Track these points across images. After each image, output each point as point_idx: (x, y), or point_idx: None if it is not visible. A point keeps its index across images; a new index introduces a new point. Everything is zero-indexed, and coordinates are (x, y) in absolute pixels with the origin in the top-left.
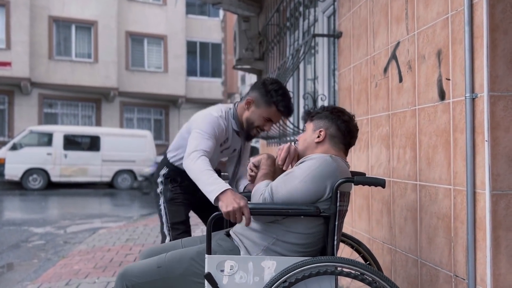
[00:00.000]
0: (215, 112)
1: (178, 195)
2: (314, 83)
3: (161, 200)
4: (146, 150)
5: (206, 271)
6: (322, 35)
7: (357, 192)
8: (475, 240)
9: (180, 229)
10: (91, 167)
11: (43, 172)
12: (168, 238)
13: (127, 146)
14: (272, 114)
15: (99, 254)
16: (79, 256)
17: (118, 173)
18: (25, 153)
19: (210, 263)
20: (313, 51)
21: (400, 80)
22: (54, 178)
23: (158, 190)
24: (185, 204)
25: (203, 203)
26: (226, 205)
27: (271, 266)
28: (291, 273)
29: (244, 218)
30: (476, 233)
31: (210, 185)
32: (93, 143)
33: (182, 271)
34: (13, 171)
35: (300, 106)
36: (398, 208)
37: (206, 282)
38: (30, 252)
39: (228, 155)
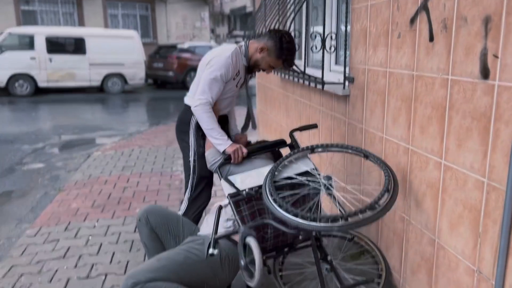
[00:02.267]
0: (228, 52)
1: None
2: (324, 20)
3: (191, 153)
4: (134, 53)
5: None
6: None
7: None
8: (509, 247)
9: (204, 184)
10: (79, 71)
11: (29, 78)
12: (189, 190)
13: (114, 49)
14: (277, 64)
15: (96, 187)
16: (76, 190)
17: (108, 77)
18: (7, 58)
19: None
20: None
21: (431, 39)
22: (41, 84)
23: (190, 142)
24: None
25: None
26: (232, 149)
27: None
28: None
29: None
30: (511, 239)
31: (219, 140)
32: (78, 46)
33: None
34: None
35: (308, 46)
36: (416, 180)
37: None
38: (25, 177)
39: (240, 85)
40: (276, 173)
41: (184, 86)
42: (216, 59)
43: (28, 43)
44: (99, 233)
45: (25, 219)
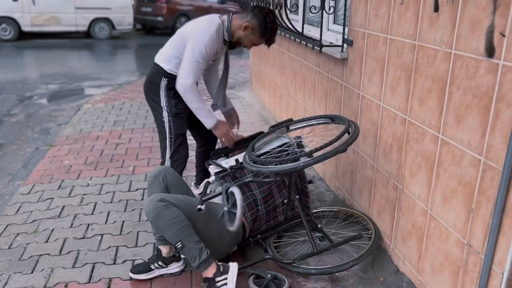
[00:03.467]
0: (212, 29)
1: (182, 110)
2: None
3: (165, 114)
4: None
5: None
6: None
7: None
8: (501, 225)
9: (181, 139)
10: (64, 15)
11: (12, 21)
12: (168, 151)
13: None
14: (260, 42)
15: (88, 143)
16: (67, 145)
17: (94, 21)
18: None
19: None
20: None
21: (436, 9)
22: (25, 28)
23: (162, 103)
24: (187, 119)
25: (198, 121)
26: (219, 132)
27: None
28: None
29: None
30: (504, 219)
31: (206, 117)
32: None
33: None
34: None
35: (307, 5)
36: (412, 151)
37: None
38: (15, 129)
39: (215, 59)
40: (255, 146)
41: (173, 32)
42: (200, 37)
43: None
44: (93, 192)
45: (17, 175)
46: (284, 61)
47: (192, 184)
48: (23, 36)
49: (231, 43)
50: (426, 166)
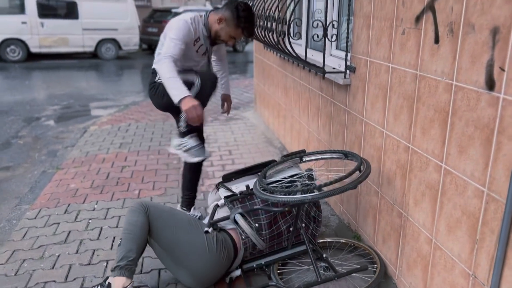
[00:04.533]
0: (186, 16)
1: None
2: (326, 5)
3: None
4: (128, 17)
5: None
6: None
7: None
8: (505, 257)
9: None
10: (72, 36)
11: (21, 43)
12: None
13: (108, 13)
14: (238, 34)
15: (94, 166)
16: (74, 168)
17: (101, 42)
18: None
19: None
20: None
21: (436, 41)
22: (33, 49)
23: (161, 87)
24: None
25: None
26: (187, 106)
27: None
28: None
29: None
30: (508, 251)
31: (175, 89)
32: (70, 10)
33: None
34: None
35: (310, 35)
36: (415, 179)
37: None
38: (22, 151)
39: (202, 52)
40: (267, 174)
41: None
42: (176, 23)
43: (19, 6)
44: (98, 216)
45: (24, 199)
46: (288, 84)
47: (178, 206)
48: (32, 57)
49: (211, 40)
50: (430, 194)
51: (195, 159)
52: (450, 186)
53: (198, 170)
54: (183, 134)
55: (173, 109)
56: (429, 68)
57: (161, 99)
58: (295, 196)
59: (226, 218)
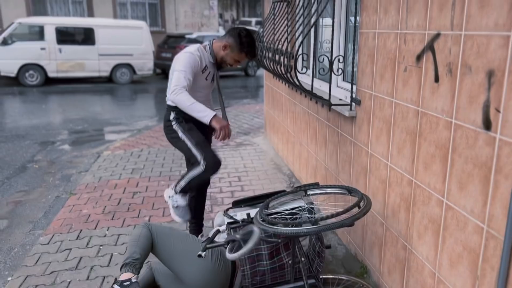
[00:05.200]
0: (192, 49)
1: (192, 124)
2: (332, 39)
3: (180, 133)
4: (143, 43)
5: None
6: None
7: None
8: None
9: (205, 144)
10: (88, 61)
11: (39, 68)
12: (199, 155)
13: (123, 39)
14: (242, 58)
15: (106, 192)
16: (87, 194)
17: (116, 67)
18: (17, 48)
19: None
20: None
21: (436, 79)
22: (51, 74)
23: (175, 127)
24: (199, 129)
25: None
26: (219, 124)
27: None
28: None
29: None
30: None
31: (203, 111)
32: (87, 36)
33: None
34: (8, 67)
35: (317, 68)
36: (418, 212)
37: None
38: (37, 176)
39: (211, 79)
40: (269, 205)
41: None
42: (183, 55)
43: (38, 33)
44: (109, 243)
45: (38, 224)
46: (296, 112)
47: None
48: (49, 82)
49: (217, 64)
50: (433, 228)
51: (177, 218)
52: (452, 221)
53: (202, 199)
54: (178, 190)
55: (186, 154)
56: (430, 105)
57: (175, 144)
58: (289, 228)
59: (221, 245)
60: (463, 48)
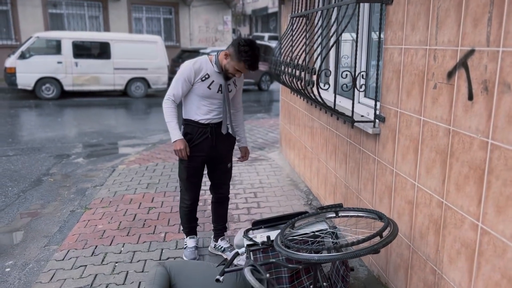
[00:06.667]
0: (193, 59)
1: (193, 148)
2: (355, 55)
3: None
4: (158, 57)
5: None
6: (367, 0)
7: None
8: None
9: (187, 183)
10: (103, 75)
11: (56, 81)
12: (180, 190)
13: (138, 53)
14: (241, 67)
15: (121, 207)
16: (102, 208)
17: (131, 81)
18: (35, 61)
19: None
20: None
21: (470, 98)
22: (67, 87)
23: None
24: (194, 167)
25: (211, 162)
26: (175, 148)
27: None
28: None
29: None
30: None
31: (172, 131)
32: (103, 50)
33: None
34: (25, 80)
35: (339, 83)
36: (450, 236)
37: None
38: (52, 189)
39: (217, 89)
40: (290, 228)
41: None
42: (182, 66)
43: (55, 47)
44: (125, 260)
45: (53, 239)
46: (315, 128)
47: (212, 238)
48: (64, 95)
49: (224, 75)
50: (466, 253)
51: (184, 258)
52: (488, 246)
53: (220, 205)
54: (186, 234)
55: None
56: (463, 124)
57: (179, 168)
58: (303, 254)
59: (239, 269)
60: (501, 65)
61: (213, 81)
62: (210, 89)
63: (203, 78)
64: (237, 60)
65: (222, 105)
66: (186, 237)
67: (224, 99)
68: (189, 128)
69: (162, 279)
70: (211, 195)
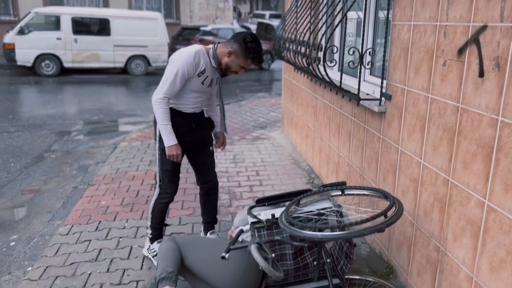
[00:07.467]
0: (190, 51)
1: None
2: (363, 32)
3: (157, 146)
4: (158, 34)
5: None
6: None
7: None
8: None
9: (169, 174)
10: (103, 52)
11: (55, 58)
12: (158, 181)
13: (138, 30)
14: (248, 64)
15: (124, 183)
16: (105, 185)
17: (131, 58)
18: (34, 37)
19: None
20: None
21: (481, 74)
22: (66, 64)
23: (158, 135)
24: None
25: (194, 148)
26: (169, 152)
27: None
28: None
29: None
30: None
31: (166, 136)
32: (102, 27)
33: None
34: (24, 57)
35: (344, 61)
36: (455, 213)
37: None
38: (54, 166)
39: (208, 84)
40: (294, 206)
41: None
42: (178, 56)
43: (54, 23)
44: (129, 235)
45: (57, 214)
46: (318, 107)
47: (201, 231)
48: (64, 72)
49: (222, 72)
50: (471, 231)
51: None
52: (494, 224)
53: (209, 197)
54: (151, 240)
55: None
56: (472, 101)
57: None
58: (306, 232)
59: (245, 246)
60: None
61: (207, 77)
62: (203, 84)
63: (200, 74)
64: (243, 57)
65: (208, 97)
66: (152, 243)
67: (220, 96)
68: (173, 118)
69: (175, 253)
70: (199, 187)
